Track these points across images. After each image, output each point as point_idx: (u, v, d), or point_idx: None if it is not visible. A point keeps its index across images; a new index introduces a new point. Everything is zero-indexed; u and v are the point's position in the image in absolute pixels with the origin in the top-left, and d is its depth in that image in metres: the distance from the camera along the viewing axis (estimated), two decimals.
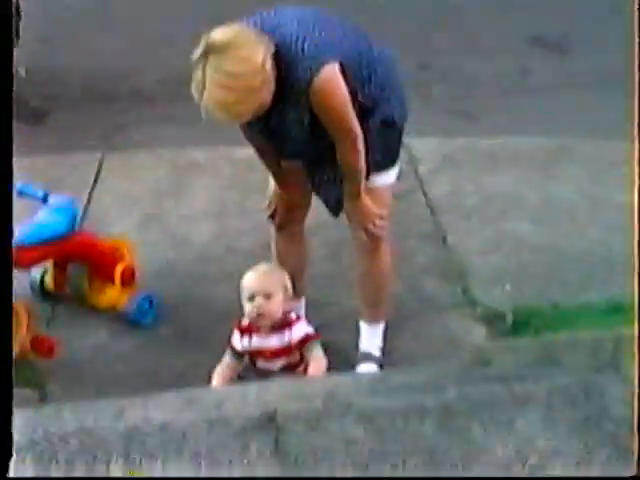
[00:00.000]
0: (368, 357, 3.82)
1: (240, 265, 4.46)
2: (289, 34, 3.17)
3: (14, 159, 5.47)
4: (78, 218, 4.11)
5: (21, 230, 3.87)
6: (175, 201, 5.17)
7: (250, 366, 3.61)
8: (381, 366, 3.78)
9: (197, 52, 3.04)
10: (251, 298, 3.50)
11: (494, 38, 7.66)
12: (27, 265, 3.94)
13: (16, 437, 1.97)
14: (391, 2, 8.26)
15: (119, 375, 3.87)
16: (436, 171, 5.41)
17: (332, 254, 4.58)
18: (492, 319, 4.10)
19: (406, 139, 5.67)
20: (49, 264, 4.16)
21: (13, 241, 3.76)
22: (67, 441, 1.94)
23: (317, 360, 3.49)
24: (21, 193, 3.63)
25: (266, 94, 3.12)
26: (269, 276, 3.58)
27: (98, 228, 4.36)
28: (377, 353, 3.85)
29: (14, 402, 3.10)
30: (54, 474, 1.89)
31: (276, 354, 3.54)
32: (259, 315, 3.49)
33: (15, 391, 3.50)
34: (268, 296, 3.48)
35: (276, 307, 3.50)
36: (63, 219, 3.93)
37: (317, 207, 3.90)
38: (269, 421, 1.96)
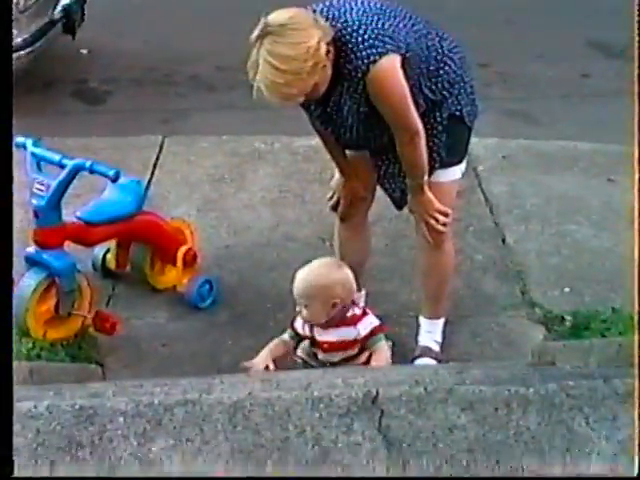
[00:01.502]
0: (427, 352, 3.81)
1: (297, 253, 4.52)
2: (351, 22, 3.18)
3: (75, 138, 5.58)
4: (144, 199, 4.12)
5: (88, 208, 3.92)
6: (234, 188, 5.20)
7: (312, 355, 3.58)
8: (439, 361, 3.78)
9: (254, 33, 3.07)
10: (298, 301, 3.47)
11: (555, 41, 7.64)
12: (93, 243, 3.98)
13: (122, 406, 2.00)
14: (455, 3, 8.27)
15: (177, 356, 3.90)
16: (495, 171, 5.40)
17: (390, 247, 4.59)
18: (550, 321, 4.08)
19: None
20: (112, 243, 4.19)
21: (81, 217, 3.85)
22: (173, 412, 1.96)
23: (381, 352, 3.45)
24: (92, 171, 3.64)
25: (319, 79, 3.13)
26: (309, 283, 3.43)
27: (158, 211, 4.37)
28: (436, 348, 3.84)
29: (79, 376, 3.17)
30: (162, 443, 1.91)
31: (335, 347, 3.48)
32: (302, 317, 3.48)
33: (78, 365, 3.59)
34: (306, 304, 3.41)
35: (315, 315, 3.42)
36: (131, 199, 3.96)
37: (376, 199, 3.92)
38: (372, 403, 1.97)
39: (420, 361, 3.78)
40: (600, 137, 5.79)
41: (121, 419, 1.96)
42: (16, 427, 1.91)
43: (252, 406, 1.98)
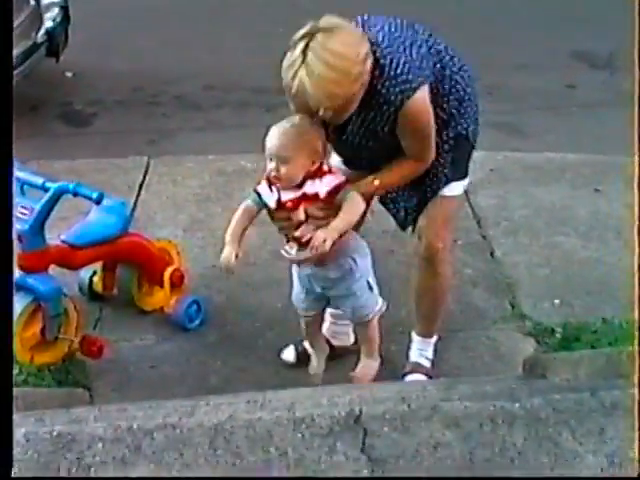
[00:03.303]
0: (418, 367, 3.79)
1: (285, 272, 4.47)
2: (383, 53, 3.09)
3: (61, 161, 5.56)
4: (129, 220, 4.10)
5: (73, 230, 3.89)
6: (221, 207, 5.17)
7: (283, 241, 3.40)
8: (430, 377, 3.75)
9: (300, 32, 2.97)
10: (270, 158, 3.17)
11: (540, 52, 7.66)
12: (78, 266, 3.94)
13: (100, 431, 1.97)
14: (439, 16, 8.26)
15: (165, 378, 3.87)
16: (483, 184, 5.38)
17: (378, 264, 4.53)
18: (541, 333, 4.07)
19: None
20: (98, 265, 4.17)
21: (65, 240, 3.82)
22: (152, 436, 1.94)
23: (352, 201, 3.19)
24: (76, 193, 3.62)
25: (357, 91, 3.02)
26: (290, 138, 3.15)
27: (145, 232, 4.36)
28: (427, 364, 3.82)
29: (66, 401, 3.14)
30: (141, 468, 1.88)
31: (296, 204, 3.22)
32: (275, 177, 3.18)
33: (65, 390, 3.56)
34: (285, 160, 3.13)
35: (294, 172, 3.15)
36: (115, 221, 3.94)
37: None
38: (355, 422, 1.95)
39: (411, 377, 3.76)
40: (586, 148, 5.80)
41: (100, 445, 1.93)
42: None
43: (233, 428, 1.95)
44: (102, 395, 3.72)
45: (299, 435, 1.94)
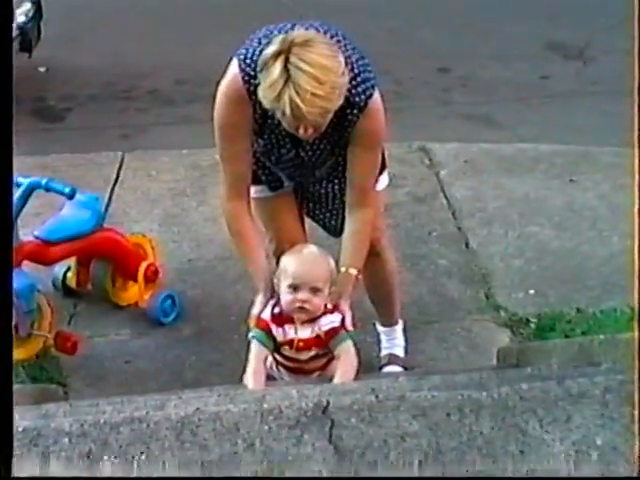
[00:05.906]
0: (393, 359, 3.79)
1: None
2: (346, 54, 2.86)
3: (34, 157, 5.52)
4: (103, 215, 4.09)
5: (46, 226, 3.87)
6: (196, 201, 5.17)
7: (277, 360, 3.14)
8: (405, 368, 3.76)
9: (272, 48, 2.69)
10: (295, 288, 2.93)
11: (513, 44, 7.69)
12: (52, 261, 3.92)
13: (66, 426, 1.97)
14: (410, 8, 8.28)
15: (140, 373, 3.87)
16: (457, 175, 5.41)
17: None
18: (516, 324, 4.08)
19: (427, 143, 5.76)
20: (72, 261, 4.15)
21: (38, 236, 3.80)
22: (119, 430, 1.93)
23: (347, 356, 2.99)
24: (48, 189, 3.61)
25: (338, 105, 2.77)
26: (319, 266, 2.97)
27: (120, 227, 4.35)
28: (401, 353, 3.82)
29: (39, 398, 3.12)
30: (107, 462, 1.88)
31: (310, 344, 3.01)
32: (301, 309, 2.94)
33: (39, 387, 3.54)
34: (316, 290, 2.92)
35: (322, 303, 2.96)
36: (89, 216, 3.92)
37: None
38: (323, 413, 1.95)
39: (387, 369, 3.77)
40: (560, 138, 5.83)
41: (66, 440, 1.92)
42: None
43: (200, 421, 1.95)
44: (77, 391, 3.71)
45: (266, 427, 1.94)
